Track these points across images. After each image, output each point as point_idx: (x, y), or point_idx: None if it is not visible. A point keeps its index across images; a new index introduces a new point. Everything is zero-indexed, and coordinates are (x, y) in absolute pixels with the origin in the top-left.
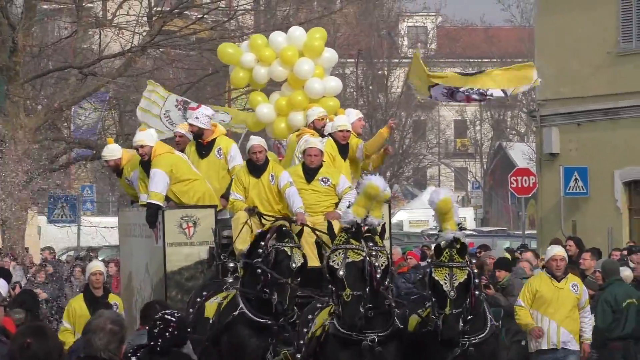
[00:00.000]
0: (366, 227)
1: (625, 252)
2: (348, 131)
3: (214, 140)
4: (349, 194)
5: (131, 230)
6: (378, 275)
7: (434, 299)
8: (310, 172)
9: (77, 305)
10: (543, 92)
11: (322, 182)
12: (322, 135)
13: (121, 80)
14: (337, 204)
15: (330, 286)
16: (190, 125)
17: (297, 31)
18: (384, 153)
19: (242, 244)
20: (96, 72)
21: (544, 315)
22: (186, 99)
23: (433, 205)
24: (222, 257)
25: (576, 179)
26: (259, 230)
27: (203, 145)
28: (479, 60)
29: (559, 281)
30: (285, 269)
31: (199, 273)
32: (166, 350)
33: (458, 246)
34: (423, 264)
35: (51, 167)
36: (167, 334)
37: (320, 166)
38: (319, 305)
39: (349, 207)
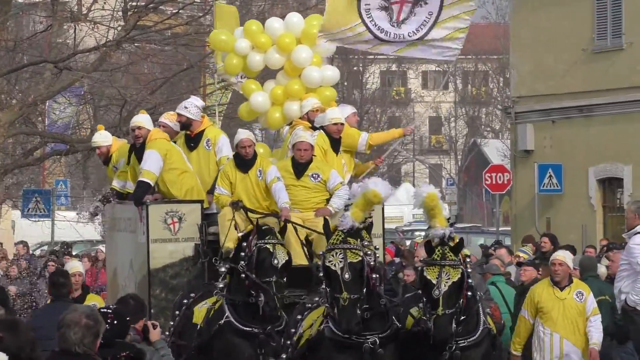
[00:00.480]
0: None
1: (604, 249)
2: (342, 124)
3: (202, 131)
4: (340, 190)
5: (116, 225)
6: (374, 275)
7: (424, 299)
8: (299, 168)
9: None
10: (518, 89)
11: (312, 178)
12: (314, 128)
13: (96, 75)
14: (328, 200)
15: (324, 286)
16: (179, 115)
17: (294, 17)
18: (373, 167)
19: (228, 242)
20: (71, 67)
21: (545, 326)
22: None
23: (418, 202)
24: (207, 255)
25: (550, 176)
26: (241, 233)
27: (191, 137)
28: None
29: (561, 290)
30: (269, 266)
31: (184, 271)
32: (110, 343)
33: (452, 243)
34: (397, 260)
35: (25, 161)
36: (107, 326)
37: (311, 161)
38: (308, 305)
39: (346, 209)
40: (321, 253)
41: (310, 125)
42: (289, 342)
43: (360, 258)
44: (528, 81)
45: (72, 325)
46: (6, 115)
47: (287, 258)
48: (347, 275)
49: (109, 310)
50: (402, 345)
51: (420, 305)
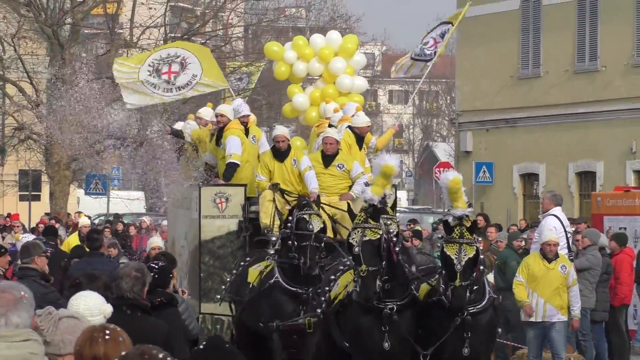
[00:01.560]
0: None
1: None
2: (369, 127)
3: (248, 128)
4: (361, 178)
5: (176, 203)
6: (397, 248)
7: (444, 272)
8: (327, 159)
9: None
10: (461, 105)
11: (338, 168)
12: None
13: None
14: (350, 187)
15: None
16: (239, 113)
17: (334, 34)
18: (394, 131)
19: (266, 219)
20: None
21: (534, 291)
22: (158, 66)
23: (444, 185)
24: (249, 230)
25: (484, 171)
26: (290, 208)
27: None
28: (414, 79)
29: (549, 262)
30: (304, 234)
31: (228, 242)
32: (152, 290)
33: (468, 224)
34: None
35: (89, 152)
36: (152, 277)
37: (337, 153)
38: (341, 267)
39: (367, 185)
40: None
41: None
42: (323, 298)
43: (378, 236)
44: (469, 99)
45: (124, 276)
46: (75, 118)
47: (321, 225)
48: (356, 249)
49: (155, 267)
50: (418, 314)
51: (431, 279)
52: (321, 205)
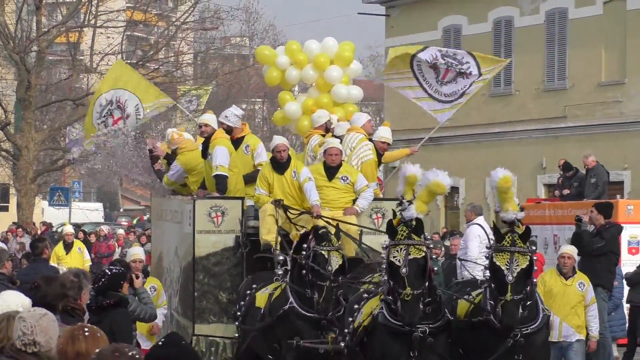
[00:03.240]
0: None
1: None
2: (389, 144)
3: (242, 137)
4: (366, 191)
5: (163, 215)
6: (435, 269)
7: (493, 285)
8: (330, 171)
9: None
10: (391, 125)
11: (342, 180)
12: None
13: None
14: (354, 201)
15: (387, 279)
16: (220, 123)
17: (330, 41)
18: (408, 153)
19: (267, 235)
20: (84, 103)
21: (550, 309)
22: (104, 122)
23: (493, 184)
24: (247, 246)
25: None
26: (303, 232)
27: (233, 141)
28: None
29: (566, 279)
30: (321, 273)
31: (224, 259)
32: (103, 292)
33: (520, 231)
34: None
35: (52, 167)
36: (103, 280)
37: (340, 165)
38: (365, 295)
39: (410, 202)
40: (386, 247)
41: (325, 133)
42: (346, 330)
43: (423, 254)
44: (397, 120)
45: (56, 281)
46: (39, 136)
47: (340, 262)
48: (404, 270)
49: (108, 272)
50: (459, 332)
51: (473, 293)
52: (325, 220)
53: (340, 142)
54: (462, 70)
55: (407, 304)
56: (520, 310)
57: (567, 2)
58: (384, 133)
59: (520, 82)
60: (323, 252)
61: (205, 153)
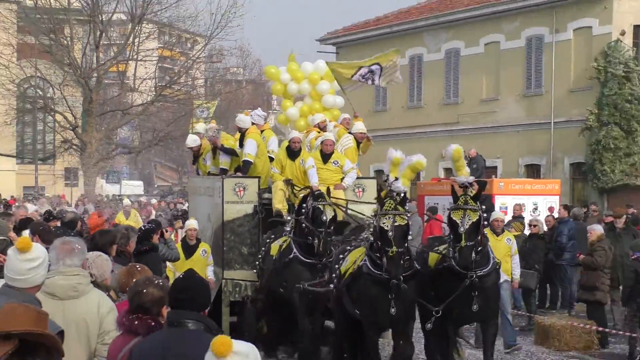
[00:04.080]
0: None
1: None
2: (364, 134)
3: (262, 130)
4: (351, 172)
5: (198, 191)
6: (410, 232)
7: (451, 235)
8: (325, 157)
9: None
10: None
11: (333, 164)
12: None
13: (141, 117)
14: (342, 179)
15: (377, 241)
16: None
17: (320, 63)
18: (368, 143)
19: (278, 204)
20: (129, 112)
21: None
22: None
23: (449, 155)
24: (262, 212)
25: None
26: (302, 195)
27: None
28: None
29: (497, 236)
30: (319, 221)
31: (246, 222)
32: (140, 241)
33: (472, 193)
34: None
35: (107, 157)
36: (139, 233)
37: (332, 152)
38: (348, 247)
39: (396, 179)
40: (376, 215)
41: (320, 130)
42: (333, 275)
43: (406, 222)
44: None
45: (109, 234)
46: (98, 135)
47: (332, 214)
48: (390, 233)
49: (143, 227)
50: (430, 278)
51: (440, 248)
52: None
53: None
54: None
55: (392, 260)
56: (474, 255)
57: (460, 43)
58: (360, 126)
59: (428, 98)
60: (319, 205)
61: (241, 144)
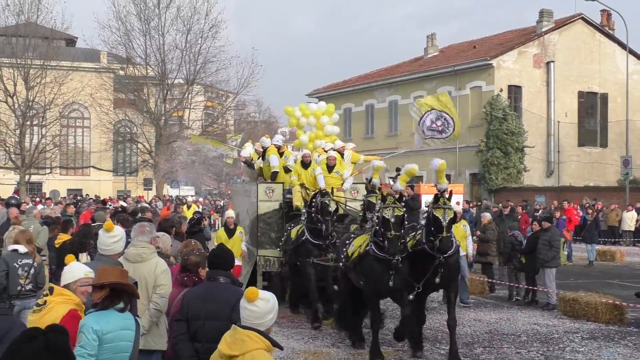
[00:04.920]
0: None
1: None
2: (343, 147)
3: (283, 151)
4: (348, 180)
5: (239, 193)
6: (406, 222)
7: (432, 228)
8: (330, 168)
9: (221, 233)
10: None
11: (336, 173)
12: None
13: (186, 145)
14: (342, 184)
15: (378, 227)
16: (274, 143)
17: (322, 104)
18: (380, 160)
19: (297, 201)
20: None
21: None
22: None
23: (434, 167)
24: (285, 208)
25: None
26: (313, 193)
27: (279, 152)
28: None
29: (457, 222)
30: (326, 212)
31: (274, 215)
32: (193, 225)
33: (447, 195)
34: None
35: (170, 171)
36: (191, 220)
37: (335, 164)
38: (352, 235)
39: (394, 180)
40: (379, 208)
41: (324, 151)
42: (342, 255)
43: (402, 212)
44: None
45: (169, 221)
46: (165, 157)
47: (335, 207)
48: (392, 220)
49: (195, 216)
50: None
51: (414, 234)
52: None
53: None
54: (444, 129)
55: (391, 241)
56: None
57: (398, 96)
58: (340, 144)
59: (377, 132)
60: (326, 200)
61: (263, 157)
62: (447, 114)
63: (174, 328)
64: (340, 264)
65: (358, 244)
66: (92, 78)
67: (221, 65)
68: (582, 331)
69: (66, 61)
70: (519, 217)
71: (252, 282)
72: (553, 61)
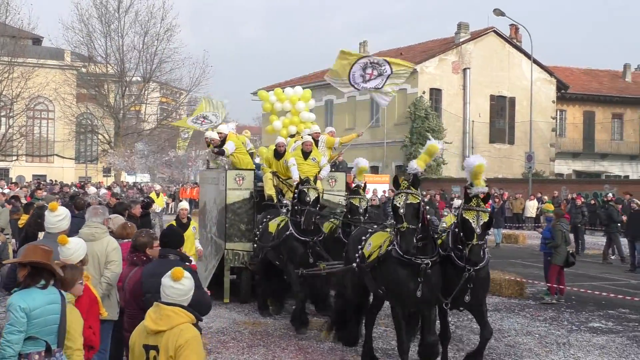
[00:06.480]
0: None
1: None
2: (318, 133)
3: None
4: (325, 167)
5: (206, 181)
6: (427, 215)
7: (462, 233)
8: (305, 154)
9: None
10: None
11: (312, 160)
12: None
13: (148, 137)
14: (319, 171)
15: (393, 220)
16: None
17: (298, 88)
18: (357, 136)
19: (269, 190)
20: (142, 134)
21: None
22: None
23: (470, 167)
24: (256, 197)
25: None
26: (296, 183)
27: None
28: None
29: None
30: (304, 201)
31: (243, 205)
32: (144, 208)
33: (482, 197)
34: None
35: (127, 160)
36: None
37: (311, 151)
38: (369, 230)
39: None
40: (392, 197)
41: (301, 138)
42: (357, 254)
43: (418, 200)
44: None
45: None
46: (123, 147)
47: (316, 195)
48: (401, 210)
49: (144, 200)
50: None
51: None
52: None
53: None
54: (381, 72)
55: (404, 235)
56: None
57: (333, 96)
58: (315, 129)
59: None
60: (304, 189)
61: (222, 143)
62: (370, 60)
63: (145, 303)
64: (354, 264)
65: (377, 243)
66: (56, 74)
67: (175, 65)
68: (488, 304)
69: (32, 58)
70: (437, 204)
71: (218, 277)
72: (469, 68)
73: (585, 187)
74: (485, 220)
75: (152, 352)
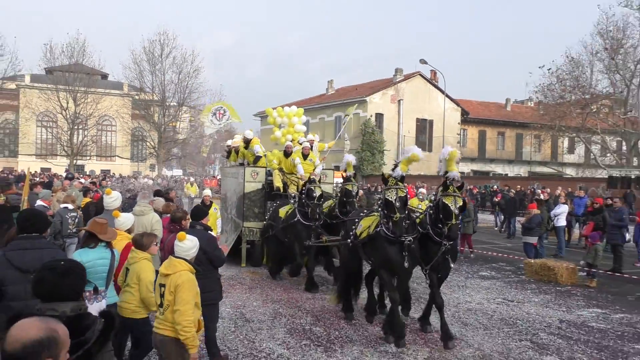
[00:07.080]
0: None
1: None
2: (312, 140)
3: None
4: (319, 166)
5: (227, 174)
6: (409, 204)
7: (441, 216)
8: (305, 156)
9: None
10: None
11: (309, 161)
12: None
13: (182, 144)
14: (314, 170)
15: (382, 210)
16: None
17: (294, 107)
18: (333, 144)
19: (277, 183)
20: (177, 142)
21: None
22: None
23: (445, 154)
24: (267, 188)
25: None
26: (304, 181)
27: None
28: None
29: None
30: (312, 197)
31: (258, 194)
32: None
33: (458, 184)
34: None
35: (167, 160)
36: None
37: (309, 154)
38: (361, 214)
39: (396, 166)
40: (381, 190)
41: (299, 144)
42: (351, 233)
43: (405, 193)
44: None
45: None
46: (164, 151)
47: (320, 192)
48: (398, 204)
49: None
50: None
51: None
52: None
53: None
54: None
55: (396, 223)
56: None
57: (309, 117)
58: (309, 137)
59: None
60: (312, 187)
61: (247, 147)
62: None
63: None
64: (349, 240)
65: (366, 224)
66: (117, 100)
67: (200, 95)
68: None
69: (100, 89)
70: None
71: (237, 247)
72: (402, 100)
73: (479, 181)
74: (460, 204)
75: (163, 289)
